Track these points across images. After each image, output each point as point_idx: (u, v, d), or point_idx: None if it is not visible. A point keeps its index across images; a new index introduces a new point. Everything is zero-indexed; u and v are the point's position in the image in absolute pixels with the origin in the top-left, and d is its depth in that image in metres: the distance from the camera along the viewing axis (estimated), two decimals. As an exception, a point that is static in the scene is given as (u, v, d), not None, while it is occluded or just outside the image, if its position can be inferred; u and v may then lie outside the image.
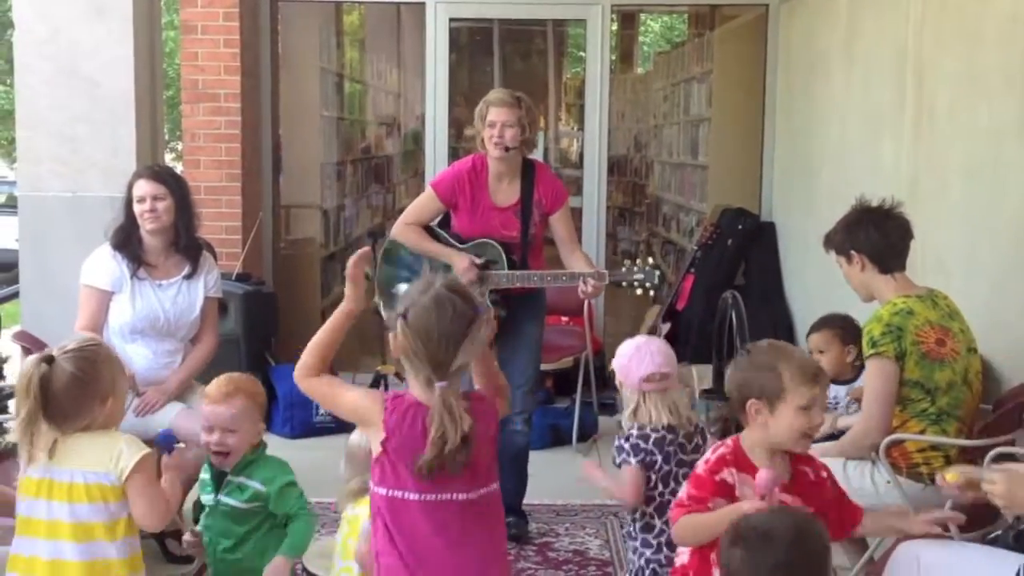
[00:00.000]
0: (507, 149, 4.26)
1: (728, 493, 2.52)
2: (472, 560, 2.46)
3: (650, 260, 4.43)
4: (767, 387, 2.56)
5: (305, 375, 2.56)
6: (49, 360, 2.73)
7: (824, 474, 2.65)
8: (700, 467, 2.61)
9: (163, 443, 3.08)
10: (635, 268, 4.34)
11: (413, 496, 2.43)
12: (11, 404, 4.37)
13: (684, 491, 2.60)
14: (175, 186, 4.23)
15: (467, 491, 2.46)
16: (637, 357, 3.18)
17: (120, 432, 2.85)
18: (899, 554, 2.82)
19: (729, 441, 2.63)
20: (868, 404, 3.41)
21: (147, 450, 2.81)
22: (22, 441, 2.73)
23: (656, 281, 4.32)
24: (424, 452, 2.38)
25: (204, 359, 4.34)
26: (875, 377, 3.37)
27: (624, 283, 4.37)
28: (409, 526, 2.43)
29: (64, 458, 2.73)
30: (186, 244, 4.27)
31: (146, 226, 4.17)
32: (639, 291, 4.36)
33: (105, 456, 2.73)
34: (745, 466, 2.55)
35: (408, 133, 10.60)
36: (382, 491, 2.45)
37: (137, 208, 4.17)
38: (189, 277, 4.27)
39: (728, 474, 2.54)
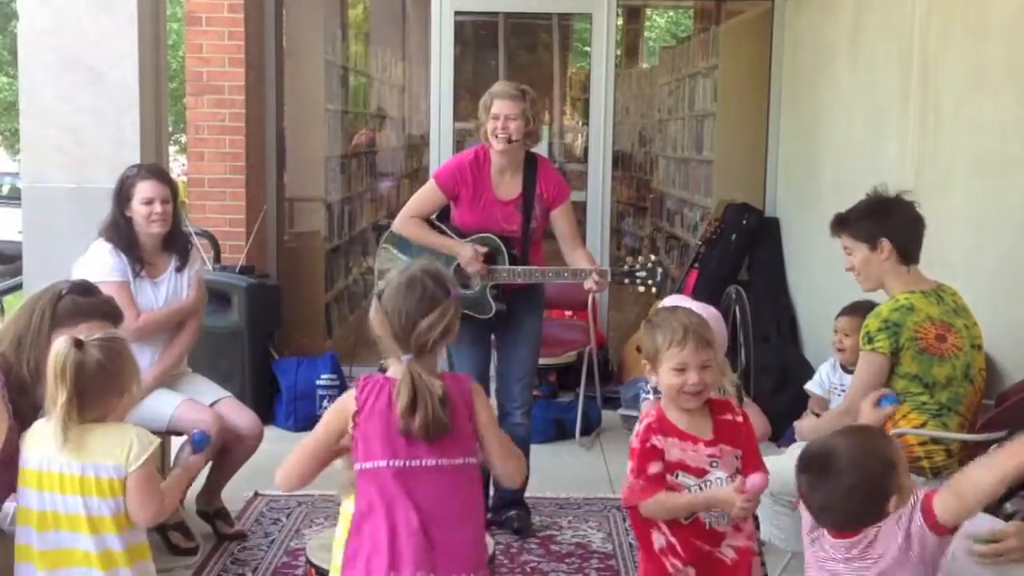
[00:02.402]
0: (510, 141, 4.26)
1: (659, 456, 2.64)
2: (447, 526, 2.53)
3: (652, 257, 4.44)
4: (648, 347, 2.72)
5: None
6: (79, 345, 2.71)
7: (740, 418, 2.74)
8: (633, 440, 2.72)
9: (198, 446, 3.03)
10: (637, 265, 4.36)
11: (383, 464, 2.52)
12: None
13: (628, 469, 2.69)
14: (174, 187, 4.31)
15: (437, 458, 2.53)
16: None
17: (130, 424, 2.83)
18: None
19: (653, 410, 2.74)
20: (852, 394, 3.47)
21: (157, 442, 2.80)
22: (60, 427, 2.69)
23: (659, 278, 4.34)
24: (397, 420, 2.49)
25: (186, 346, 4.36)
26: (864, 371, 3.43)
27: (626, 280, 4.39)
28: (386, 494, 2.52)
29: (76, 449, 2.70)
30: (178, 241, 4.33)
31: (152, 228, 4.19)
32: (641, 288, 4.38)
33: (116, 448, 2.71)
34: (668, 430, 2.67)
35: (412, 126, 10.58)
36: (359, 466, 2.55)
37: (143, 209, 4.17)
38: (179, 270, 4.33)
39: (656, 440, 2.66)
